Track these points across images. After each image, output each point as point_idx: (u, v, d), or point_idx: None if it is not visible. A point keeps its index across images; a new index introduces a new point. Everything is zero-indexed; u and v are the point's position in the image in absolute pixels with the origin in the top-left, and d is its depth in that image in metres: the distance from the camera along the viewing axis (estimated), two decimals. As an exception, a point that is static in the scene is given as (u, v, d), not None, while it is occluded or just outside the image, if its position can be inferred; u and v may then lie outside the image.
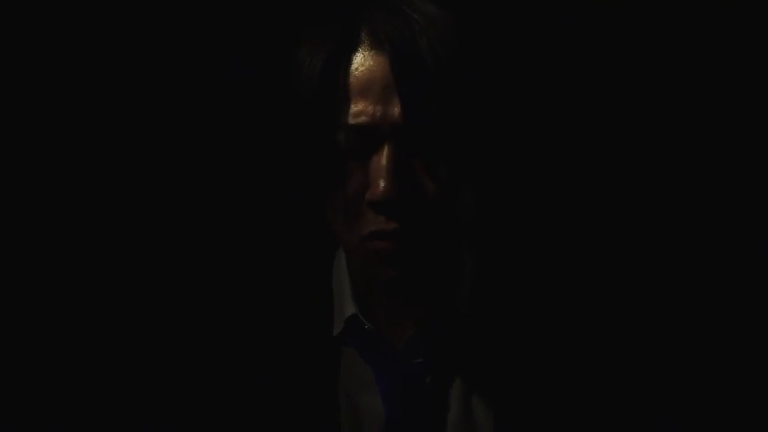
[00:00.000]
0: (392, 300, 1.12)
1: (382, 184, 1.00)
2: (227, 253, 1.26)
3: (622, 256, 1.18)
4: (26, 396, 1.36)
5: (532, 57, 1.21)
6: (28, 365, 1.38)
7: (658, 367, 1.12)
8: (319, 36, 1.04)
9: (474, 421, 1.11)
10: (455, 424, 1.11)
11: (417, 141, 1.01)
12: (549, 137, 1.26)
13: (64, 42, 1.34)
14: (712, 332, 1.17)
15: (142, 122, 1.34)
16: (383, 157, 1.00)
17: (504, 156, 1.08)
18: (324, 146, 1.03)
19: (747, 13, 1.30)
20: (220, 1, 1.34)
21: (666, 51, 1.29)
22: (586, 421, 1.10)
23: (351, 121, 1.01)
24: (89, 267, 1.37)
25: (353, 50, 1.02)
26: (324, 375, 1.14)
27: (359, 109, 1.01)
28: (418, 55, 1.00)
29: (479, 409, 1.11)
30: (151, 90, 1.35)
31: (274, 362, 1.15)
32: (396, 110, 1.00)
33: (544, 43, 1.27)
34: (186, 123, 1.33)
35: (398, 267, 1.03)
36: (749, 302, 1.26)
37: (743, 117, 1.32)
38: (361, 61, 1.02)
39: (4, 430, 1.36)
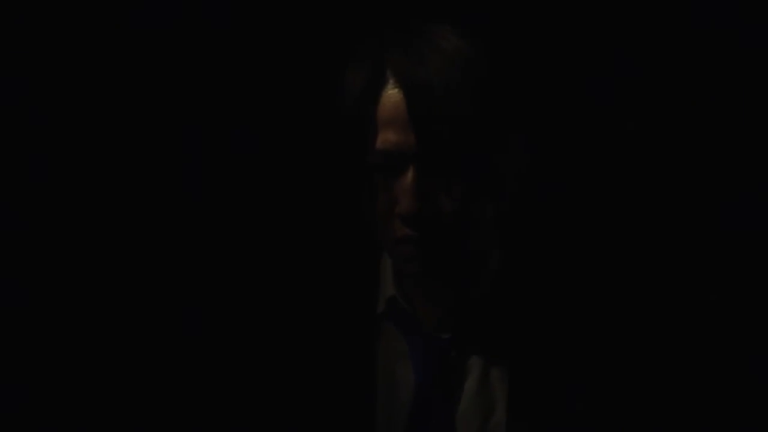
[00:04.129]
0: (424, 287, 1.36)
1: (405, 201, 1.25)
2: (298, 245, 1.52)
3: (625, 250, 1.42)
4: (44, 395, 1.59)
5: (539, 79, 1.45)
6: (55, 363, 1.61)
7: (669, 353, 1.35)
8: (355, 72, 1.29)
9: (489, 388, 1.35)
10: (472, 389, 1.35)
11: (434, 164, 1.25)
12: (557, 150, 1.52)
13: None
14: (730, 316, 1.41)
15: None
16: (407, 178, 1.25)
17: (518, 170, 1.32)
18: (361, 165, 1.28)
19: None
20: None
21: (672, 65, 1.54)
22: (590, 393, 1.33)
23: (379, 146, 1.26)
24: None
25: (382, 87, 1.27)
26: (366, 346, 1.39)
27: (386, 138, 1.26)
28: (431, 94, 1.23)
29: (494, 378, 1.35)
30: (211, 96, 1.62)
31: (326, 333, 1.40)
32: (414, 140, 1.24)
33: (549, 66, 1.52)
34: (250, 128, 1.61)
35: (420, 266, 1.29)
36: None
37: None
38: (387, 98, 1.26)
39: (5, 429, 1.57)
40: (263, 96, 1.63)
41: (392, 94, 1.26)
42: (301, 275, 1.44)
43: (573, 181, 1.54)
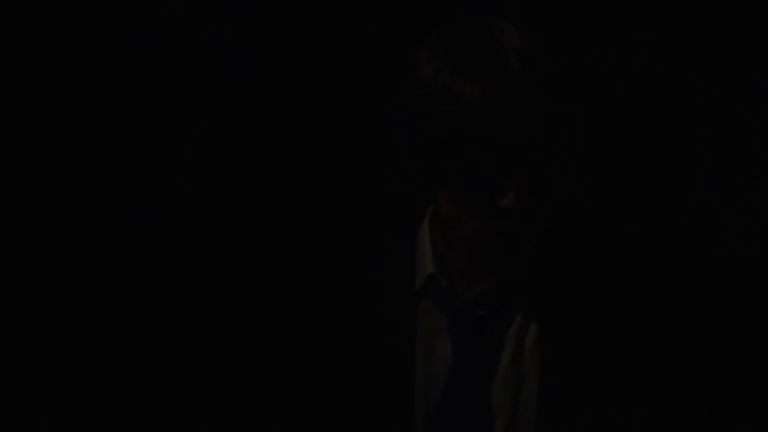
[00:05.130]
0: (465, 265, 1.43)
1: (511, 193, 1.32)
2: (342, 229, 1.58)
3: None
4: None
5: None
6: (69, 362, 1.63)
7: (699, 334, 1.44)
8: (450, 71, 1.32)
9: (522, 362, 1.42)
10: (506, 363, 1.42)
11: (530, 157, 1.32)
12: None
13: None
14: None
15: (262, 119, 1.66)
16: (507, 173, 1.32)
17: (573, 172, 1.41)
18: (458, 160, 1.33)
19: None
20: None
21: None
22: (619, 370, 1.41)
23: (481, 142, 1.31)
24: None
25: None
26: (405, 321, 1.45)
27: (487, 133, 1.31)
28: (532, 87, 1.30)
29: (527, 353, 1.42)
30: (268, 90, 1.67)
31: (367, 308, 1.46)
32: (516, 135, 1.31)
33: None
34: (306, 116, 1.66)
35: (505, 255, 1.37)
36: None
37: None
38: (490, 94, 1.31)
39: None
40: (329, 86, 1.68)
41: (492, 90, 1.30)
42: (342, 254, 1.50)
43: (605, 168, 1.64)
